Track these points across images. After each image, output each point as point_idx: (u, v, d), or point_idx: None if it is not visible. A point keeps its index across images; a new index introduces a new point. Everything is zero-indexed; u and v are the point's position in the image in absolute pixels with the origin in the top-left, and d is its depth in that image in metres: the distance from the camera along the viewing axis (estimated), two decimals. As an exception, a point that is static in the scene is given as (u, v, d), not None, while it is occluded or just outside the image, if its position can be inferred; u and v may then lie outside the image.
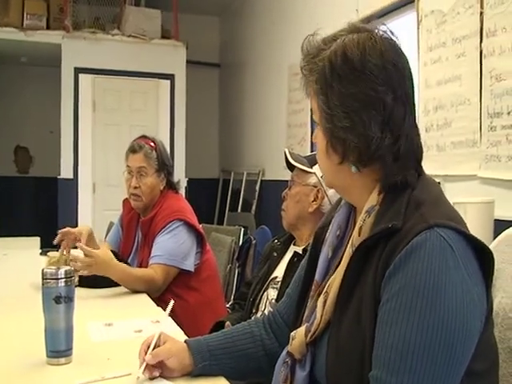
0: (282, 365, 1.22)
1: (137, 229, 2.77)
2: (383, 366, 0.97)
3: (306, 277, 1.29)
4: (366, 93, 1.07)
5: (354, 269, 1.09)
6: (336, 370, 1.09)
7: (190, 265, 2.56)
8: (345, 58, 1.08)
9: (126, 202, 2.85)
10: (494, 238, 1.35)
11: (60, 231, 2.55)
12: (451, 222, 1.02)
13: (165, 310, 2.03)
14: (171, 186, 2.75)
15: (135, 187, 2.65)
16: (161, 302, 2.26)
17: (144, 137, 2.76)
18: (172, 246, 2.51)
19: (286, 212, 2.08)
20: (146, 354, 1.27)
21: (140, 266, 2.59)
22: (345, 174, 1.14)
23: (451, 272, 0.97)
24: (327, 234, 1.27)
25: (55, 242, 2.52)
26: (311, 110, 1.21)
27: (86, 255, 2.20)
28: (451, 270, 0.97)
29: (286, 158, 2.06)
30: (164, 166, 2.71)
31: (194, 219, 2.64)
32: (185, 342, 1.35)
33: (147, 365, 1.26)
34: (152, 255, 2.50)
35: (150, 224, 2.62)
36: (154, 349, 1.28)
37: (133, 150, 2.68)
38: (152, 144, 2.70)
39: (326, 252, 1.23)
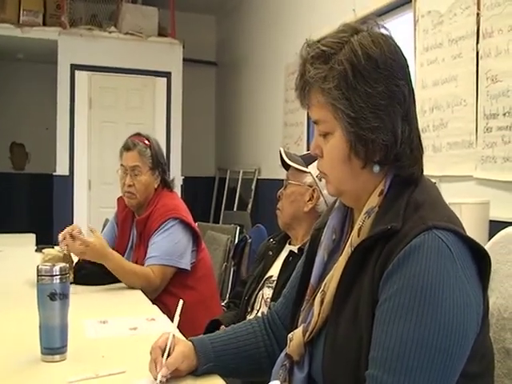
0: (281, 367, 1.22)
1: (131, 227, 2.77)
2: (380, 366, 0.98)
3: (302, 279, 1.29)
4: (391, 89, 1.08)
5: (352, 268, 1.09)
6: (332, 368, 1.09)
7: (186, 263, 2.55)
8: (368, 58, 1.07)
9: (120, 199, 2.85)
10: (489, 238, 1.35)
11: (62, 234, 2.53)
12: (450, 224, 1.02)
13: (161, 309, 2.05)
14: (166, 185, 2.75)
15: (129, 185, 2.65)
16: (157, 301, 2.26)
17: (138, 135, 2.76)
18: (168, 245, 2.51)
19: (282, 211, 2.08)
20: (162, 356, 1.23)
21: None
22: (364, 178, 1.13)
23: (449, 274, 0.97)
24: (322, 236, 1.27)
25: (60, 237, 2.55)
26: (314, 121, 1.15)
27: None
28: (449, 271, 0.98)
29: (282, 157, 2.06)
30: (158, 163, 2.71)
31: (189, 217, 2.64)
32: (189, 340, 1.33)
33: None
34: (148, 256, 2.50)
35: (146, 223, 2.61)
36: (168, 352, 1.24)
37: (127, 147, 2.68)
38: (146, 142, 2.70)
39: (321, 255, 1.23)
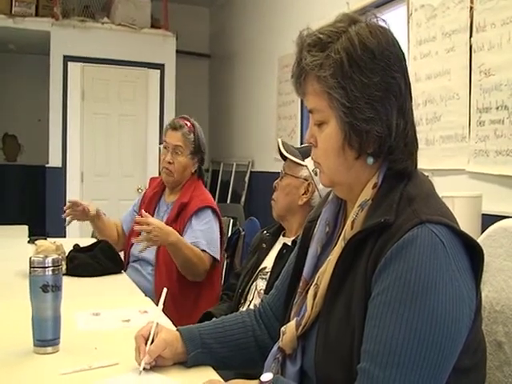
0: (273, 361, 1.22)
1: (156, 207, 2.87)
2: (371, 360, 0.97)
3: (294, 272, 1.29)
4: (387, 81, 1.08)
5: (345, 261, 1.09)
6: (325, 362, 1.09)
7: (218, 254, 2.66)
8: (364, 48, 1.07)
9: (152, 180, 3.02)
10: (482, 232, 1.36)
11: (69, 200, 2.71)
12: (443, 218, 1.02)
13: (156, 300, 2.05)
14: (200, 174, 2.86)
15: (169, 162, 2.75)
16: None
17: (184, 117, 2.87)
18: (206, 234, 2.61)
19: (276, 202, 2.09)
20: (145, 345, 1.25)
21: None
22: (357, 169, 1.13)
23: (442, 268, 0.97)
24: (315, 229, 1.26)
25: (65, 209, 2.70)
26: (310, 110, 1.15)
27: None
28: (442, 266, 0.97)
29: (279, 148, 2.06)
30: (199, 150, 2.81)
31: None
32: (177, 330, 1.34)
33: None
34: (193, 240, 2.56)
35: (186, 206, 2.70)
36: (152, 340, 1.26)
37: (173, 127, 2.79)
38: (191, 126, 2.81)
39: (314, 248, 1.23)
